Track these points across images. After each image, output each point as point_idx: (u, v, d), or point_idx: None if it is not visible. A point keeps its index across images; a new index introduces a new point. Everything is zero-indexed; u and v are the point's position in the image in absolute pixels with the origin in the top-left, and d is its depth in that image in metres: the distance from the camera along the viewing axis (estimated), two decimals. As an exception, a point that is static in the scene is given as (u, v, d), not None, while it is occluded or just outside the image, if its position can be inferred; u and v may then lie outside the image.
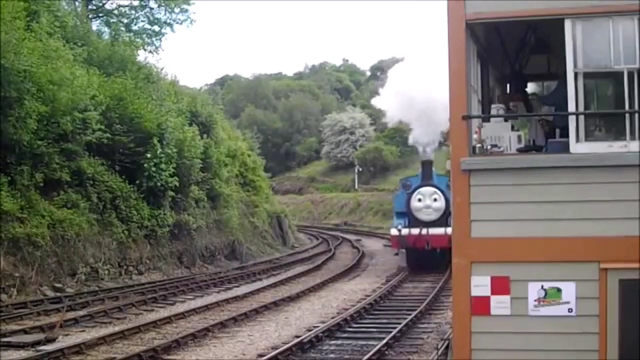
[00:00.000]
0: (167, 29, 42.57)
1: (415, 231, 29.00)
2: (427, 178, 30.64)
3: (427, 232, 28.66)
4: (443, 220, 28.52)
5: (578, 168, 6.96)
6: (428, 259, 29.23)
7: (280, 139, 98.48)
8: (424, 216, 29.55)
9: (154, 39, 42.01)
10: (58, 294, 21.02)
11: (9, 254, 20.65)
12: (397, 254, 31.38)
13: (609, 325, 6.79)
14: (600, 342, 6.80)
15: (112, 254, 25.68)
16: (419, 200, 29.80)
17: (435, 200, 29.63)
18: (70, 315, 17.74)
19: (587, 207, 6.93)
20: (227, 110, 60.79)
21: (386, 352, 13.75)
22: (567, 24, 7.02)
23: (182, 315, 18.74)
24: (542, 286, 6.97)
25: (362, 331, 16.40)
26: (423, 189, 30.08)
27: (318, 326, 16.46)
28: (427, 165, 31.29)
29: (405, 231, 29.36)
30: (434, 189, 29.93)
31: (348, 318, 17.56)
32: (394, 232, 29.92)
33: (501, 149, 7.96)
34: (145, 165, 27.98)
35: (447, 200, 27.82)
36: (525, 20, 7.73)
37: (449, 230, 23.88)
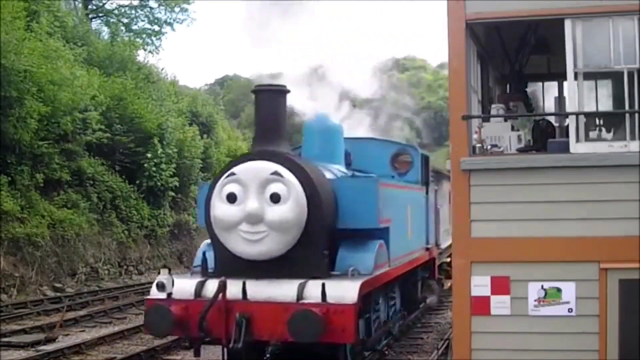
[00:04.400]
0: (167, 29, 42.57)
1: (209, 288, 9.35)
2: (263, 140, 9.94)
3: (244, 292, 9.14)
4: (299, 255, 9.46)
5: (578, 168, 6.97)
6: None
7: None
8: (241, 245, 9.46)
9: (153, 38, 42.01)
10: (58, 294, 21.01)
11: (9, 254, 20.65)
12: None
13: (609, 325, 6.79)
14: (600, 342, 6.81)
15: (112, 254, 25.67)
16: (229, 199, 9.46)
17: (275, 199, 9.32)
18: (70, 315, 17.72)
19: (587, 207, 6.94)
20: (227, 110, 60.67)
21: (386, 352, 13.75)
22: (567, 24, 7.02)
23: (182, 315, 18.69)
24: (542, 286, 6.98)
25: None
26: (241, 168, 9.57)
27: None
28: (265, 102, 10.06)
29: (183, 288, 9.53)
30: (274, 167, 9.45)
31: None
32: (153, 291, 9.72)
33: (501, 149, 7.97)
34: (146, 165, 27.98)
35: (313, 196, 9.55)
36: (525, 20, 7.74)
37: (310, 292, 8.85)
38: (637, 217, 6.76)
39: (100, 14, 41.54)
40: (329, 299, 8.76)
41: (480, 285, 7.09)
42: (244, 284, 9.19)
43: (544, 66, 11.15)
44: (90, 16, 39.35)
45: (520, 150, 8.15)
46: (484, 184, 7.19)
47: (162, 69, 40.31)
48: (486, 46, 9.50)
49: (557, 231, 6.98)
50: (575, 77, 7.05)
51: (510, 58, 10.75)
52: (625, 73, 6.93)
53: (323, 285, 8.82)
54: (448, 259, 19.52)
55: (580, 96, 7.15)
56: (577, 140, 7.08)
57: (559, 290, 6.95)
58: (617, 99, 7.22)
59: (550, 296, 6.96)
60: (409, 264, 12.77)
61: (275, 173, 9.44)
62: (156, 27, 42.03)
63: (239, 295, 9.14)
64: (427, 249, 15.00)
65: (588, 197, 6.95)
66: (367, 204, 10.21)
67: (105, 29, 40.51)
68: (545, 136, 8.52)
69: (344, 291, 8.89)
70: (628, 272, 6.76)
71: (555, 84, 11.81)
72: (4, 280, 19.91)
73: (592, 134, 7.37)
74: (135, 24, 41.54)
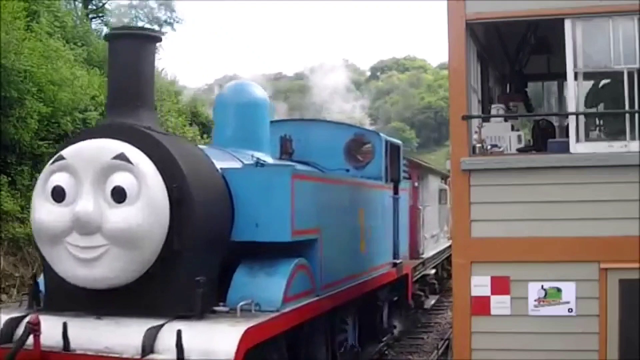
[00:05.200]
0: (167, 28, 42.52)
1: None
2: (115, 108, 6.88)
3: (65, 339, 6.08)
4: (158, 282, 6.42)
5: (578, 168, 6.97)
6: None
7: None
8: (69, 266, 6.41)
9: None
10: (58, 294, 21.03)
11: (9, 254, 20.64)
12: None
13: (609, 325, 6.79)
14: (600, 342, 6.80)
15: (112, 254, 25.65)
16: (55, 195, 6.44)
17: (118, 197, 6.27)
18: (71, 315, 17.71)
19: (587, 207, 6.94)
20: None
21: (386, 352, 13.76)
22: (567, 24, 7.02)
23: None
24: (542, 286, 6.98)
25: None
26: (73, 149, 6.51)
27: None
28: (121, 54, 6.87)
29: None
30: (120, 147, 6.39)
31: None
32: None
33: (501, 149, 7.97)
34: (146, 165, 27.96)
35: (183, 192, 6.47)
36: (525, 20, 7.74)
37: (165, 341, 5.89)
38: (637, 217, 6.76)
39: (100, 14, 41.55)
40: (191, 354, 5.72)
41: (480, 285, 7.09)
42: (64, 326, 6.06)
43: (544, 66, 11.14)
44: (90, 16, 39.35)
45: (520, 150, 8.15)
46: (484, 184, 7.19)
47: (162, 70, 40.30)
48: (486, 46, 9.50)
49: (557, 231, 6.97)
50: (575, 77, 7.05)
51: (510, 58, 10.74)
52: (625, 73, 6.93)
53: (179, 333, 5.72)
54: (432, 271, 16.65)
55: (580, 96, 7.15)
56: (577, 140, 7.07)
57: (559, 290, 6.95)
58: (617, 99, 7.22)
59: (550, 296, 6.96)
60: (361, 288, 9.61)
61: (120, 157, 6.31)
62: (156, 27, 41.98)
63: (61, 343, 6.08)
64: (395, 265, 11.81)
65: (588, 197, 6.95)
66: (275, 206, 7.17)
67: (105, 28, 40.48)
68: (545, 136, 8.52)
69: (216, 342, 5.81)
70: (628, 272, 6.75)
71: (555, 83, 11.82)
72: (4, 280, 19.90)
73: (592, 134, 7.37)
74: (135, 24, 41.54)
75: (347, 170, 10.79)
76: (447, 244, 19.58)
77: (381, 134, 11.67)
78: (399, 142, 12.66)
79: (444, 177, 20.67)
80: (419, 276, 14.59)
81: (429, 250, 16.24)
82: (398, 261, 12.02)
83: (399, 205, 12.18)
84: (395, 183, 12.06)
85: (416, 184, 14.70)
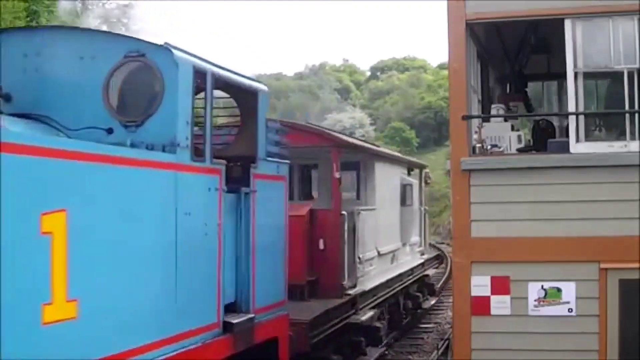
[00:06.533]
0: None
1: None
2: None
3: None
4: None
5: (578, 168, 6.97)
6: None
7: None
8: None
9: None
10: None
11: None
12: None
13: (609, 325, 6.80)
14: (600, 342, 6.81)
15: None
16: None
17: None
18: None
19: (587, 207, 6.94)
20: (227, 109, 60.60)
21: (386, 352, 13.77)
22: (567, 24, 7.03)
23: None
24: (542, 286, 6.98)
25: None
26: None
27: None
28: None
29: None
30: None
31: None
32: None
33: (501, 149, 7.97)
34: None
35: None
36: (525, 20, 7.75)
37: None
38: (637, 217, 6.76)
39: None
40: None
41: (480, 285, 7.10)
42: None
43: (544, 66, 11.14)
44: (90, 16, 39.32)
45: (520, 150, 8.15)
46: (484, 184, 7.19)
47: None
48: (486, 46, 9.50)
49: (557, 231, 6.98)
50: (576, 77, 7.06)
51: (510, 58, 10.75)
52: (625, 73, 6.93)
53: None
54: (370, 313, 10.62)
55: (580, 96, 7.15)
56: (577, 140, 7.08)
57: (559, 290, 6.95)
58: (617, 98, 7.22)
59: (550, 296, 6.96)
60: None
61: None
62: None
63: None
64: (231, 327, 6.37)
65: (588, 197, 6.95)
66: None
67: (104, 27, 40.47)
68: (545, 136, 8.52)
69: None
70: (628, 272, 6.76)
71: (555, 83, 11.82)
72: (4, 280, 19.89)
73: (592, 134, 7.37)
74: (135, 24, 41.53)
75: (110, 132, 5.76)
76: (418, 261, 15.33)
77: (179, 54, 5.91)
78: (252, 82, 7.18)
79: (416, 168, 16.11)
80: (336, 326, 9.57)
81: (373, 278, 11.22)
82: (239, 319, 6.60)
83: (250, 207, 6.86)
84: (245, 161, 6.99)
85: (337, 174, 9.97)
